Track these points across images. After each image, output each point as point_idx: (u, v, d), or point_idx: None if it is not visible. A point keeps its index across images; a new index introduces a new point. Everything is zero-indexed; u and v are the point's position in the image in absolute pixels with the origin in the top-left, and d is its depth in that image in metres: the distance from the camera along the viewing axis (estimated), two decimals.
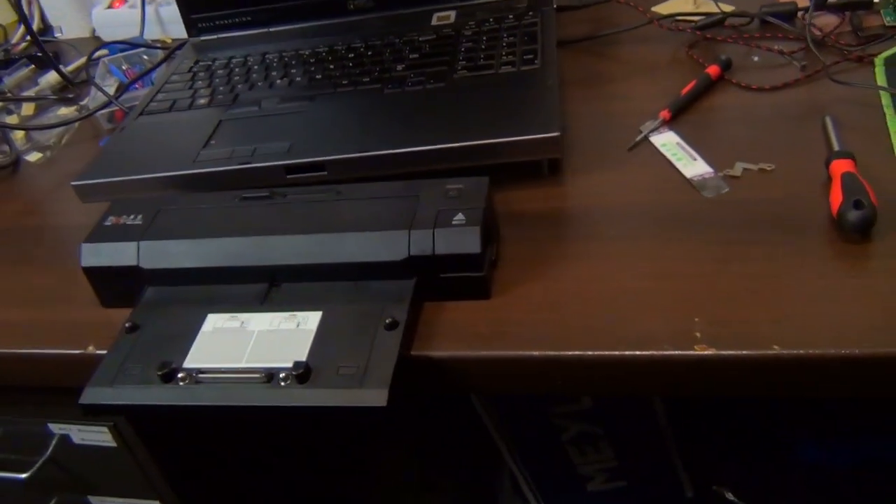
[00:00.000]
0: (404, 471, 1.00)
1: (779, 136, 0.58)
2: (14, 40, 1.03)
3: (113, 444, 0.60)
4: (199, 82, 0.73)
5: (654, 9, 0.80)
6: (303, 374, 0.43)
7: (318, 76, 0.69)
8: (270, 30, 0.80)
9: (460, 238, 0.46)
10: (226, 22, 0.81)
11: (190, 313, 0.49)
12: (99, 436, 0.60)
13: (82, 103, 0.83)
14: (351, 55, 0.72)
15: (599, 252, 0.50)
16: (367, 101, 0.65)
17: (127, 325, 0.49)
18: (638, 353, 0.43)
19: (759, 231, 0.49)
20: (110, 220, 0.53)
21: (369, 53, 0.71)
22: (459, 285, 0.47)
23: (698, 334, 0.43)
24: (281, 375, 0.43)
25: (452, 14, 0.75)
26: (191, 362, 0.46)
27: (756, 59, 0.69)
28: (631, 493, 0.90)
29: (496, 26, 0.71)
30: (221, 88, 0.71)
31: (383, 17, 0.78)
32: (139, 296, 0.51)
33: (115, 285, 0.52)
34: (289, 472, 0.86)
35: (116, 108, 0.77)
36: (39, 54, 0.86)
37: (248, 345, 0.46)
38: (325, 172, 0.57)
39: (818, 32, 0.68)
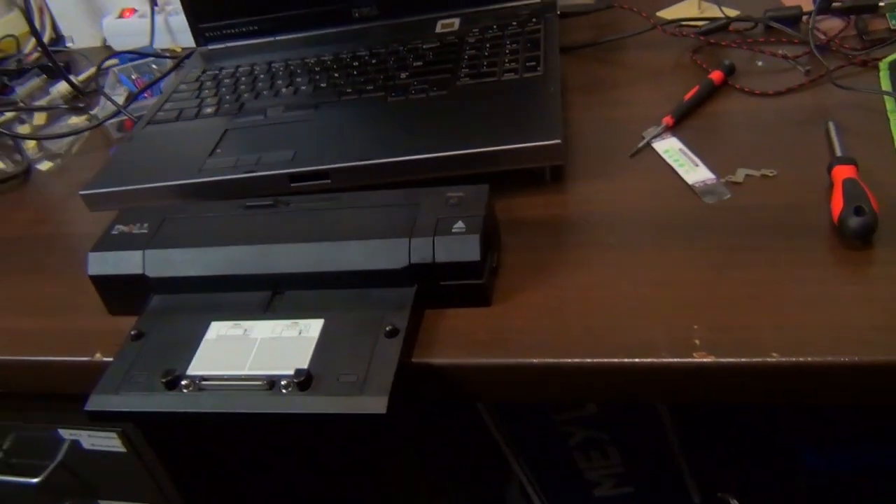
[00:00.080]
0: (412, 476, 1.01)
1: (782, 142, 0.58)
2: (27, 50, 1.04)
3: (122, 449, 0.61)
4: (206, 91, 0.74)
5: (657, 14, 0.80)
6: (304, 381, 0.44)
7: (322, 84, 0.70)
8: (277, 38, 0.81)
9: (460, 246, 0.47)
10: (233, 31, 0.82)
11: (194, 321, 0.49)
12: (108, 441, 0.61)
13: (92, 112, 0.84)
14: (355, 63, 0.72)
15: (600, 259, 0.50)
16: (371, 109, 0.65)
17: (133, 332, 0.49)
18: (637, 360, 0.43)
19: (761, 237, 0.49)
20: (117, 229, 0.54)
21: (373, 61, 0.72)
22: (460, 293, 0.48)
23: (697, 341, 0.43)
24: (282, 383, 0.44)
25: (456, 21, 0.76)
26: (194, 370, 0.46)
27: (760, 63, 0.69)
28: (638, 498, 0.90)
29: (499, 33, 0.71)
30: (228, 97, 0.72)
31: (388, 25, 0.78)
32: (145, 304, 0.52)
33: (122, 293, 0.53)
34: (294, 475, 0.86)
35: (126, 117, 0.78)
36: (50, 64, 0.88)
37: (250, 352, 0.47)
38: (329, 180, 0.58)
39: (823, 36, 0.68)
